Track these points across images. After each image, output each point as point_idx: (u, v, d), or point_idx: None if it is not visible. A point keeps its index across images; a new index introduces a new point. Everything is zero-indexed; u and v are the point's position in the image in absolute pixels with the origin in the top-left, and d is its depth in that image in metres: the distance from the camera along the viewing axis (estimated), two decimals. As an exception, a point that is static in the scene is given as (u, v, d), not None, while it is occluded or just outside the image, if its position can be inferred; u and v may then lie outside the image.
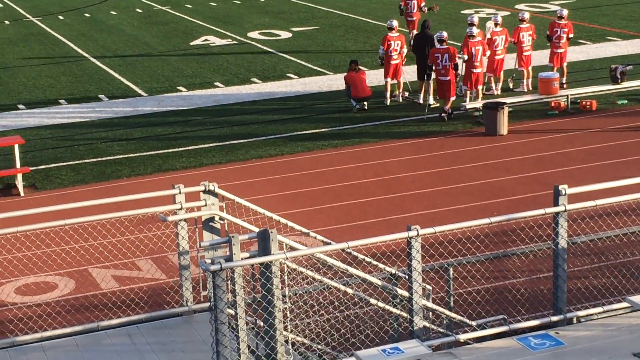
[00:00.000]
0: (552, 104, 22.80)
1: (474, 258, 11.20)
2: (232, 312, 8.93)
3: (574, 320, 10.24)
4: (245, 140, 21.47)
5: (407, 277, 9.45)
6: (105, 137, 22.24)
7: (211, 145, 21.27)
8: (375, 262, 11.12)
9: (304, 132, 21.97)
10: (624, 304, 10.06)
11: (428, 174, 18.81)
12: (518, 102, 22.81)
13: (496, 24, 24.20)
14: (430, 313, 10.65)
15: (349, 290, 9.77)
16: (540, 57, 25.82)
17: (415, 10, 29.46)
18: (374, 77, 24.58)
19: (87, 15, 40.35)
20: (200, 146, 21.21)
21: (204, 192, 10.80)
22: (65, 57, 31.45)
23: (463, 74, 22.99)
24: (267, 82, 26.92)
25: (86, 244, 14.27)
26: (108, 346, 10.35)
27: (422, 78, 23.84)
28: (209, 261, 8.75)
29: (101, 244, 14.46)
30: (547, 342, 9.41)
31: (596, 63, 27.01)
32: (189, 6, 41.56)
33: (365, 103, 23.53)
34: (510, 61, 24.73)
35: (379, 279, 10.14)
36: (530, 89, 24.20)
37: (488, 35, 24.24)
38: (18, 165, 18.83)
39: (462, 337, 9.89)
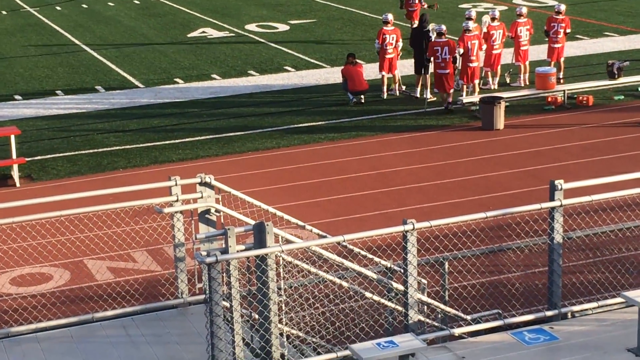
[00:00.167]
0: (549, 99, 22.81)
1: (470, 252, 11.21)
2: (227, 304, 8.94)
3: (569, 315, 10.26)
4: (242, 133, 21.47)
5: (402, 270, 9.46)
6: (102, 128, 22.22)
7: (208, 137, 21.26)
8: (370, 256, 11.13)
9: (300, 125, 21.96)
10: (619, 300, 10.07)
11: (424, 167, 18.82)
12: (515, 96, 22.82)
13: (493, 19, 24.20)
14: (425, 307, 10.66)
15: (344, 284, 9.77)
16: (538, 51, 25.82)
17: (416, 2, 29.69)
18: (371, 71, 24.57)
19: (84, 6, 40.28)
20: (197, 138, 21.20)
21: (200, 184, 10.79)
22: (62, 48, 31.41)
23: (460, 68, 22.98)
24: (264, 74, 26.90)
25: (82, 235, 14.24)
26: (102, 337, 10.35)
27: (419, 72, 23.83)
28: (204, 253, 8.76)
29: (97, 235, 14.47)
30: (542, 337, 9.42)
31: (593, 58, 27.02)
32: (187, -2, 41.50)
33: (362, 96, 23.53)
34: (507, 56, 24.73)
35: (375, 273, 10.14)
36: (527, 83, 24.21)
37: (484, 30, 24.24)
38: (14, 155, 18.81)
39: (457, 331, 9.91)
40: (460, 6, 35.14)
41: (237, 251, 8.77)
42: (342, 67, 23.98)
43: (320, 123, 22.06)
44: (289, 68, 27.50)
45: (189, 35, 32.90)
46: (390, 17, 24.27)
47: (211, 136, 21.31)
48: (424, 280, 11.13)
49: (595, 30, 30.99)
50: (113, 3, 40.64)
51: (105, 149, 20.65)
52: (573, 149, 19.60)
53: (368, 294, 9.89)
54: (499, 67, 24.32)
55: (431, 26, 24.05)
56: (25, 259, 14.16)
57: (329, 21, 34.65)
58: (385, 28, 24.03)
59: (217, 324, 8.74)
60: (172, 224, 10.87)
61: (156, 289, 13.17)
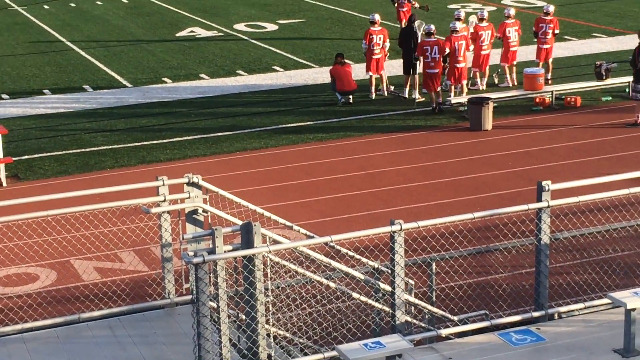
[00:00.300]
0: (537, 100, 22.85)
1: (457, 253, 11.22)
2: (214, 305, 8.93)
3: (555, 316, 10.27)
4: (230, 133, 21.44)
5: (389, 271, 9.46)
6: (89, 128, 22.16)
7: (196, 137, 21.23)
8: (358, 256, 11.12)
9: (289, 125, 21.95)
10: (605, 300, 10.09)
11: (412, 168, 18.82)
12: (503, 97, 22.85)
13: (482, 19, 24.25)
14: (413, 308, 10.66)
15: (332, 284, 9.77)
16: (526, 52, 25.86)
17: (405, 2, 29.77)
18: (359, 71, 24.58)
19: (72, 5, 40.18)
20: (185, 138, 21.17)
21: (188, 184, 10.78)
22: (50, 47, 31.33)
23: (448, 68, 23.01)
24: (253, 74, 26.88)
25: (68, 235, 14.21)
26: (89, 338, 10.33)
27: (407, 72, 23.85)
28: (191, 253, 8.75)
29: (83, 235, 14.41)
30: (528, 338, 9.44)
31: (581, 59, 27.08)
32: (175, -3, 41.44)
33: (351, 97, 23.53)
34: (496, 56, 24.77)
35: (362, 273, 10.14)
36: (515, 84, 24.24)
37: (471, 30, 24.30)
38: (1, 155, 18.73)
39: (444, 332, 9.91)
40: (449, 6, 35.18)
41: (225, 251, 8.76)
42: (331, 67, 23.98)
43: (308, 123, 22.06)
44: (278, 68, 27.48)
45: (177, 35, 32.86)
46: (377, 17, 24.30)
47: (199, 136, 21.28)
48: (411, 281, 11.13)
49: (584, 31, 31.06)
50: (101, 2, 40.55)
51: (92, 149, 20.59)
52: (561, 149, 19.64)
53: (355, 295, 9.89)
54: (487, 68, 24.37)
55: (417, 23, 24.10)
56: (11, 259, 14.11)
57: (318, 21, 34.65)
58: (372, 28, 24.05)
59: (204, 324, 8.73)
60: (160, 224, 10.86)
61: (143, 290, 13.14)
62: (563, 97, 22.99)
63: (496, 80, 24.73)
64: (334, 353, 8.98)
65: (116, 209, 11.42)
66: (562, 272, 13.34)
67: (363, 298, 9.95)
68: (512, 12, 24.84)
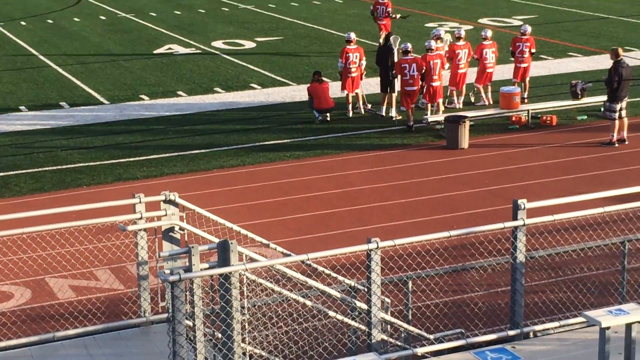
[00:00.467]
0: (513, 119, 22.97)
1: (433, 271, 11.25)
2: (190, 323, 8.90)
3: (531, 334, 10.32)
4: (207, 150, 21.43)
5: (366, 289, 9.47)
6: (66, 145, 22.08)
7: (173, 154, 21.19)
8: (334, 275, 11.13)
9: (266, 142, 21.96)
10: (580, 319, 10.14)
11: (389, 186, 18.86)
12: (479, 115, 22.96)
13: (459, 38, 24.38)
14: (389, 326, 10.67)
15: (308, 303, 9.77)
16: (502, 71, 26.00)
17: (384, 15, 30.72)
18: (337, 89, 24.63)
19: (49, 21, 40.10)
20: (162, 155, 21.13)
21: (165, 201, 10.76)
22: (27, 64, 31.22)
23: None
24: (230, 91, 26.89)
25: (44, 253, 14.14)
26: (64, 357, 10.27)
27: (385, 90, 23.94)
28: (167, 271, 8.74)
29: (59, 253, 14.34)
30: (504, 357, 9.46)
31: (557, 78, 27.25)
32: (153, 14, 41.44)
33: (328, 114, 23.58)
34: (473, 75, 24.90)
35: (338, 292, 10.15)
36: (491, 102, 24.36)
37: (446, 48, 24.44)
38: (-24, 172, 18.65)
39: (420, 350, 9.92)
40: (426, 25, 35.34)
41: (201, 269, 8.75)
42: (309, 85, 24.02)
43: (285, 141, 22.08)
44: (255, 85, 27.51)
45: (155, 52, 32.84)
46: (353, 36, 24.42)
47: (176, 153, 21.25)
48: (387, 299, 11.15)
49: (560, 50, 31.28)
50: (79, 19, 40.49)
51: (68, 166, 20.52)
52: (536, 168, 19.74)
53: (332, 313, 9.90)
54: (464, 87, 24.49)
55: (392, 38, 24.21)
56: (-14, 276, 14.02)
57: (296, 39, 34.73)
58: (348, 47, 24.13)
59: (179, 343, 8.70)
60: (136, 241, 10.83)
61: (118, 308, 13.09)
62: (539, 115, 23.12)
63: (473, 99, 24.85)
64: (310, 372, 8.97)
65: (92, 227, 11.39)
66: (538, 290, 13.40)
67: (339, 316, 9.95)
68: (489, 33, 24.97)
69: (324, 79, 24.37)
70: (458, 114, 22.13)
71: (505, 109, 22.92)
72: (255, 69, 29.72)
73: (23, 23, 39.70)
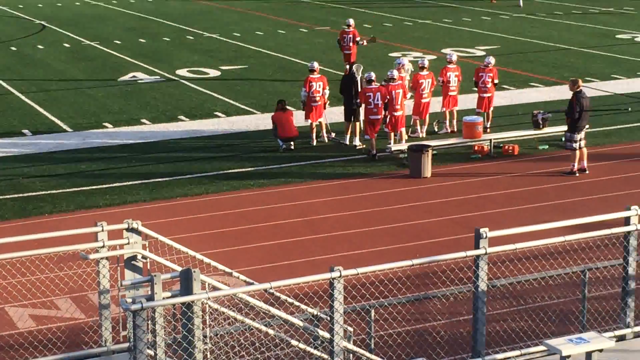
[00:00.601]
0: (476, 148, 23.15)
1: (396, 300, 11.28)
2: (151, 352, 8.86)
3: (493, 363, 10.35)
4: (171, 179, 21.38)
5: (328, 318, 9.48)
6: (28, 172, 21.95)
7: (136, 182, 21.13)
8: (297, 303, 11.14)
9: (230, 171, 21.95)
10: (541, 348, 10.20)
11: (353, 215, 18.91)
12: (442, 145, 23.11)
13: (422, 67, 24.58)
14: (351, 355, 10.68)
15: (271, 332, 9.76)
16: (465, 101, 26.21)
17: (351, 44, 31.12)
18: (301, 117, 24.70)
19: (13, 48, 39.94)
20: (125, 183, 21.06)
21: (127, 230, 10.72)
22: (-10, 91, 31.05)
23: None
24: (195, 120, 26.87)
25: (4, 282, 14.02)
26: (24, 386, 10.18)
27: (349, 119, 24.06)
28: (129, 300, 8.68)
29: (19, 282, 14.22)
30: (466, 385, 9.49)
31: (519, 108, 27.51)
32: (118, 42, 41.40)
33: (292, 143, 23.64)
34: (436, 104, 25.10)
35: (301, 320, 10.15)
36: (455, 130, 24.54)
37: (408, 77, 24.60)
38: (-63, 199, 18.48)
39: (382, 379, 9.93)
40: (390, 54, 35.58)
41: (163, 298, 8.72)
42: (273, 114, 24.09)
43: (249, 169, 22.09)
44: (220, 114, 27.52)
45: (119, 80, 32.78)
46: (316, 65, 24.57)
47: (140, 181, 21.19)
48: (350, 328, 11.16)
49: (522, 80, 31.60)
50: (43, 46, 40.36)
51: (30, 194, 20.38)
52: (498, 197, 19.88)
53: (294, 342, 9.89)
54: (427, 116, 24.67)
55: (355, 67, 24.36)
56: (-55, 305, 13.87)
57: (260, 67, 34.82)
58: (311, 76, 24.26)
59: (141, 372, 8.65)
60: (98, 270, 10.77)
61: (79, 337, 12.99)
62: (501, 145, 23.32)
63: (436, 128, 25.02)
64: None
65: (54, 255, 11.32)
66: (499, 319, 13.47)
67: (302, 345, 9.95)
68: (454, 57, 25.26)
69: (288, 107, 24.45)
70: (421, 143, 22.26)
71: (468, 139, 23.10)
72: (220, 97, 29.75)
73: (-14, 50, 39.51)
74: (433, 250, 15.93)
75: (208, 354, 9.27)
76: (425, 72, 24.50)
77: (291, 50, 38.45)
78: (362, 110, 23.49)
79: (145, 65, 35.41)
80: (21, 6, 55.73)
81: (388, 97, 22.79)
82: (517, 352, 10.47)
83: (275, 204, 19.64)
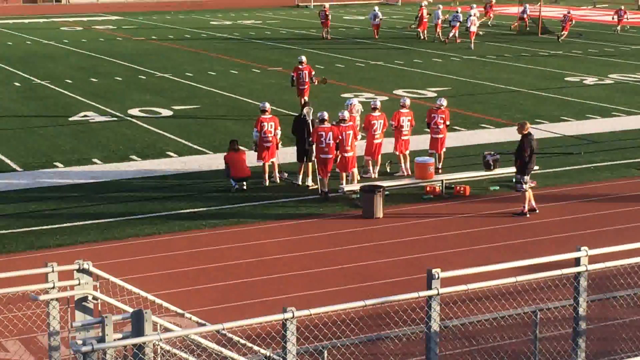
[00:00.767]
0: (428, 189, 23.29)
1: (349, 341, 11.26)
2: (102, 395, 8.76)
3: (445, 403, 10.36)
4: (122, 219, 21.24)
5: (281, 359, 9.44)
6: (-23, 212, 21.70)
7: (87, 222, 20.96)
8: (250, 344, 11.08)
9: (182, 211, 21.86)
10: (494, 388, 10.23)
11: (305, 255, 18.90)
12: (394, 185, 23.23)
13: (375, 109, 24.75)
14: (304, 396, 10.62)
15: (223, 373, 9.70)
16: (417, 142, 26.40)
17: (306, 80, 32.11)
18: (253, 158, 24.71)
19: (-38, 87, 39.62)
20: (76, 224, 20.88)
21: (78, 270, 10.62)
22: (-62, 129, 30.71)
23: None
24: (147, 159, 26.77)
25: (-48, 323, 13.80)
26: None
27: (301, 159, 24.12)
28: (80, 342, 8.59)
29: (-32, 323, 14.01)
30: None
31: (470, 149, 27.77)
32: (69, 81, 41.23)
33: (245, 183, 23.63)
34: (388, 145, 25.24)
35: (254, 362, 10.10)
36: (409, 173, 24.69)
37: (357, 117, 24.71)
38: None
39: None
40: (342, 95, 35.78)
41: (114, 340, 8.64)
42: (225, 154, 24.08)
43: (202, 209, 22.02)
44: (172, 153, 27.45)
45: (70, 119, 32.60)
46: (267, 105, 24.70)
47: (91, 222, 21.02)
48: (303, 369, 11.12)
49: (473, 122, 31.92)
50: (-7, 85, 40.08)
51: (-21, 234, 20.13)
52: (450, 238, 20.00)
53: (247, 384, 9.83)
54: (379, 156, 24.80)
55: (305, 110, 24.48)
56: None
57: (213, 107, 34.84)
58: (263, 116, 24.35)
59: (91, 415, 8.54)
60: (48, 311, 10.64)
61: (29, 379, 12.79)
62: (453, 186, 23.49)
63: (388, 169, 25.16)
64: None
65: (2, 296, 11.16)
66: None
67: (254, 387, 9.89)
68: (408, 102, 25.49)
69: (240, 147, 24.46)
70: (373, 184, 22.35)
71: (420, 179, 23.25)
72: (172, 137, 29.69)
73: None
74: (386, 291, 15.95)
75: (160, 396, 9.19)
76: (377, 113, 24.67)
77: (244, 91, 38.55)
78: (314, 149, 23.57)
79: (97, 105, 35.27)
80: (-29, 44, 55.35)
81: (340, 137, 22.92)
82: (469, 393, 10.50)
83: (227, 244, 19.58)
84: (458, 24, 54.81)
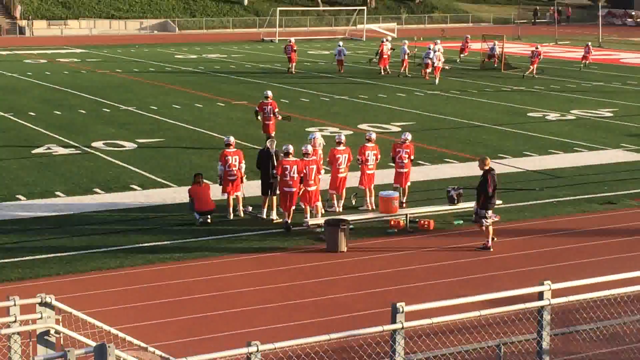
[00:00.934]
0: (392, 223, 23.35)
1: (313, 375, 11.22)
2: None
3: None
4: (85, 252, 21.10)
5: (245, 394, 9.40)
6: (-62, 245, 21.46)
7: (49, 255, 20.79)
8: (214, 379, 11.00)
9: (145, 244, 21.75)
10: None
11: (269, 289, 18.86)
12: (359, 219, 23.27)
13: (339, 143, 24.83)
14: None
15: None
16: (382, 176, 26.50)
17: (271, 115, 32.41)
18: (217, 191, 24.68)
19: None
20: (38, 257, 20.71)
21: (40, 304, 10.54)
22: None
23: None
24: (110, 192, 26.65)
25: None
26: None
27: (266, 193, 24.12)
28: (41, 376, 8.52)
29: None
30: None
31: (434, 184, 27.90)
32: (32, 114, 41.05)
33: (209, 216, 23.58)
34: (352, 179, 25.31)
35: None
36: (374, 207, 24.74)
37: (320, 151, 24.76)
38: None
39: None
40: (307, 129, 35.88)
41: (77, 374, 8.57)
42: (189, 187, 24.04)
43: (165, 243, 21.93)
44: (135, 187, 27.35)
45: (33, 152, 32.41)
46: (232, 139, 24.75)
47: (53, 255, 20.85)
48: (267, 404, 11.06)
49: (436, 156, 32.11)
50: (-45, 116, 39.79)
51: (-60, 267, 19.90)
52: (414, 272, 20.04)
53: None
54: (344, 190, 24.86)
55: (269, 143, 24.54)
56: None
57: (177, 141, 34.79)
58: (227, 150, 24.38)
59: None
60: (9, 345, 10.53)
61: (-11, 414, 12.62)
62: (417, 220, 23.57)
63: (354, 202, 25.22)
64: None
65: (-37, 330, 11.02)
66: (417, 393, 13.46)
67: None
68: (373, 136, 25.64)
69: (204, 181, 24.43)
70: (338, 218, 22.38)
71: (384, 213, 23.31)
72: (136, 170, 29.60)
73: None
74: (350, 325, 15.93)
75: None
76: (342, 147, 24.76)
77: (208, 124, 38.55)
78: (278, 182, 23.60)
79: (60, 137, 35.11)
80: None
81: (304, 171, 22.99)
82: None
83: (191, 277, 19.49)
84: (429, 61, 54.31)
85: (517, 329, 14.64)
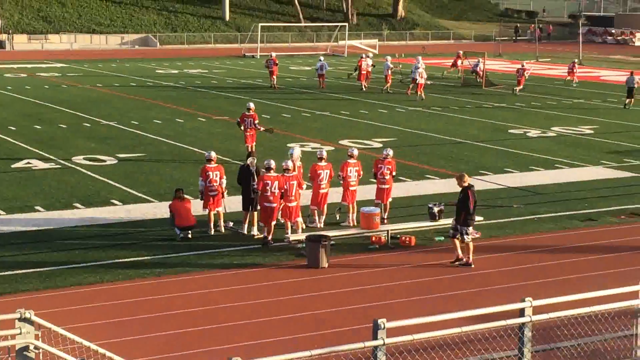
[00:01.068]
0: (373, 239, 23.33)
1: (294, 391, 11.15)
2: None
3: None
4: (65, 267, 20.97)
5: (226, 410, 9.35)
6: None
7: (29, 271, 20.65)
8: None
9: (126, 259, 21.65)
10: None
11: (250, 305, 18.79)
12: (340, 235, 23.24)
13: (321, 159, 24.83)
14: None
15: None
16: (364, 192, 26.50)
17: (250, 127, 33.15)
18: (198, 207, 24.61)
19: None
20: (17, 272, 20.57)
21: (20, 319, 10.46)
22: None
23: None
24: (90, 207, 26.53)
25: None
26: None
27: (247, 208, 24.07)
28: (20, 393, 8.44)
29: None
30: None
31: (415, 200, 27.92)
32: (12, 128, 40.89)
33: (190, 232, 23.50)
34: (334, 195, 25.29)
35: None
36: (356, 223, 24.72)
37: (298, 163, 24.68)
38: None
39: None
40: (288, 145, 35.86)
41: (56, 391, 8.50)
42: (170, 202, 23.97)
43: (146, 258, 21.83)
44: (116, 202, 27.24)
45: (13, 166, 32.26)
46: (213, 155, 24.71)
47: (32, 270, 20.71)
48: (248, 420, 10.99)
49: (418, 173, 32.14)
50: None
51: None
52: (396, 288, 20.01)
53: None
54: (325, 206, 24.83)
55: (249, 160, 24.51)
56: None
57: (158, 156, 34.71)
58: (208, 165, 24.35)
59: None
60: (-12, 361, 10.45)
61: None
62: (398, 236, 23.56)
63: (337, 216, 25.20)
64: None
65: (-59, 346, 10.93)
66: (398, 410, 13.43)
67: None
68: (355, 152, 25.65)
69: (185, 196, 24.35)
70: (319, 233, 22.34)
71: (366, 229, 23.29)
72: (116, 184, 29.49)
73: None
74: (332, 341, 15.90)
75: None
76: (323, 163, 24.76)
77: (189, 139, 38.49)
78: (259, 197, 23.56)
79: (41, 152, 34.97)
80: None
81: (284, 187, 22.97)
82: None
83: (172, 293, 19.40)
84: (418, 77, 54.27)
85: (498, 346, 14.65)
